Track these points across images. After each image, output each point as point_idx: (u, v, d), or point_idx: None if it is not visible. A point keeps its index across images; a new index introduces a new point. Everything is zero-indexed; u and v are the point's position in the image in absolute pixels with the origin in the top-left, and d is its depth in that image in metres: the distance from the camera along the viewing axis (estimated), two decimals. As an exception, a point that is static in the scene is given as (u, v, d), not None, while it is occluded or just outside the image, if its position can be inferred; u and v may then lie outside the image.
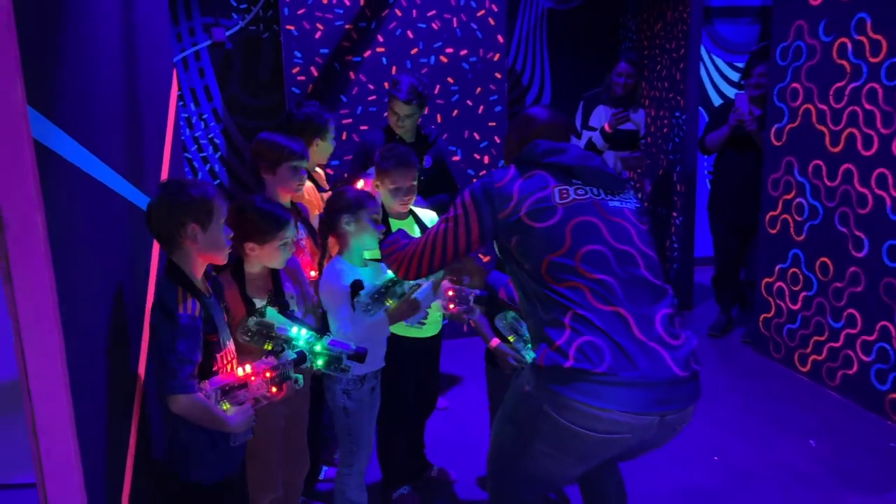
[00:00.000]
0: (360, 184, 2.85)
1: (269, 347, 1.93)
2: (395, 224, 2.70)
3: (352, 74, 4.21)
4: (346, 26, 4.15)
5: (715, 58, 5.80)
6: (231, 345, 1.94)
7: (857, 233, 3.52)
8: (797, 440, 3.32)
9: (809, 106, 3.76)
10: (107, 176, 1.84)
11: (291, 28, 4.08)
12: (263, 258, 2.07)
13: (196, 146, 4.84)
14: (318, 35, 4.13)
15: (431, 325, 2.83)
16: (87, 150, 1.68)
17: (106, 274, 1.77)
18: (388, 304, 2.23)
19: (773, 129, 4.03)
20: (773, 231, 4.10)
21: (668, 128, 5.04)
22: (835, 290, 3.69)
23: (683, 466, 3.13)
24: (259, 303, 2.03)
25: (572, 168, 1.87)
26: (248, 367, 1.87)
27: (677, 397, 1.71)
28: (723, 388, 3.90)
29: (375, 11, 4.17)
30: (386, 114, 4.20)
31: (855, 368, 3.61)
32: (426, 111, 3.51)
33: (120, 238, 1.94)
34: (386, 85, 4.24)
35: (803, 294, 3.92)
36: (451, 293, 2.43)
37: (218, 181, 4.90)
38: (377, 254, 2.37)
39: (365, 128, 4.25)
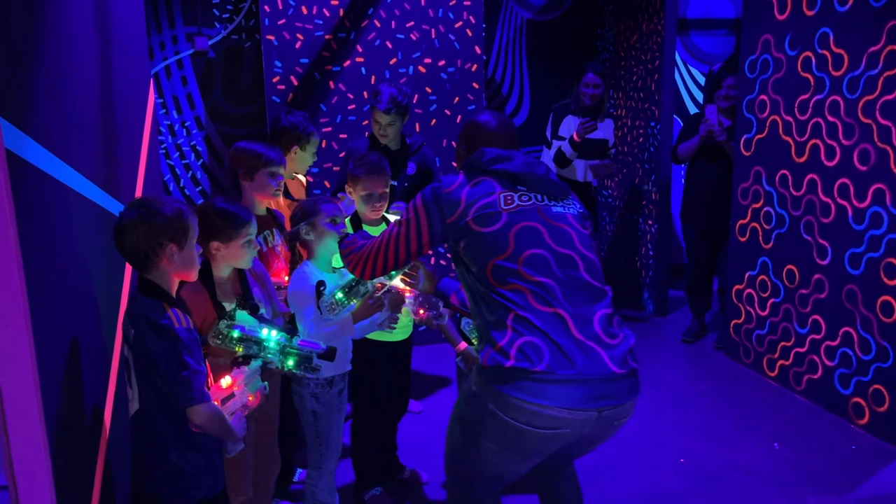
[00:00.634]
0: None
1: (241, 350, 1.99)
2: (368, 230, 2.77)
3: (331, 84, 4.28)
4: (326, 36, 4.23)
5: (691, 68, 5.91)
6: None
7: (822, 241, 3.62)
8: (762, 442, 3.40)
9: (776, 117, 3.86)
10: (80, 184, 1.90)
11: (272, 38, 4.16)
12: (229, 258, 2.12)
13: (178, 153, 4.89)
14: (298, 45, 4.20)
15: (402, 330, 2.89)
16: (60, 159, 1.74)
17: (78, 280, 1.83)
18: (351, 303, 2.29)
19: (742, 140, 4.13)
20: (743, 239, 4.20)
21: (643, 137, 5.14)
22: (801, 297, 3.79)
23: (650, 469, 3.20)
24: (229, 306, 2.09)
25: (518, 175, 1.96)
26: (229, 378, 1.93)
27: (614, 393, 1.79)
28: (693, 392, 3.99)
29: (355, 22, 4.25)
30: (366, 122, 4.29)
31: (819, 373, 3.71)
32: (406, 120, 3.59)
33: (93, 245, 2.00)
34: (366, 94, 4.32)
35: (771, 301, 4.01)
36: (420, 299, 2.51)
37: (200, 188, 4.95)
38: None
39: (344, 136, 4.33)
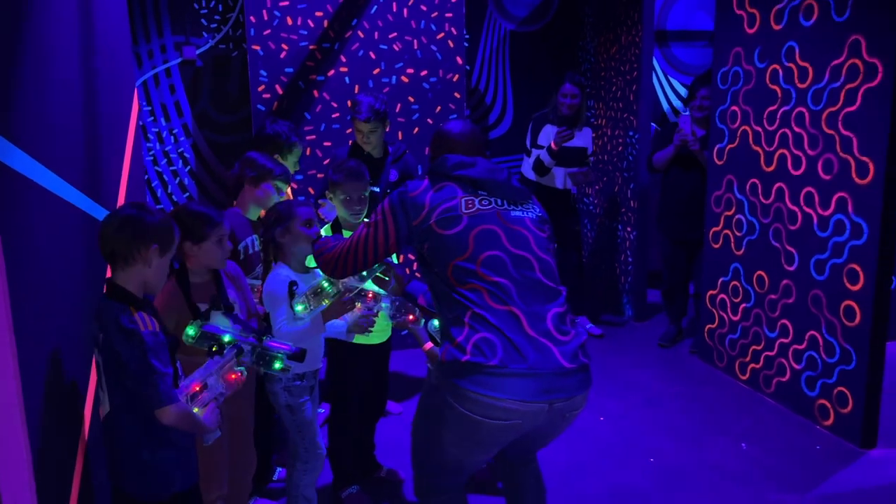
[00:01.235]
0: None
1: (214, 349, 2.08)
2: (347, 235, 2.87)
3: (315, 93, 4.39)
4: (311, 47, 4.33)
5: (671, 79, 6.04)
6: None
7: (789, 248, 3.74)
8: (730, 442, 3.51)
9: (746, 127, 3.98)
10: (64, 190, 1.99)
11: (257, 48, 4.26)
12: (203, 257, 2.21)
13: (166, 160, 4.98)
14: (283, 55, 4.30)
15: (380, 333, 2.99)
16: (43, 166, 1.83)
17: (61, 284, 1.91)
18: (323, 303, 2.39)
19: (715, 149, 4.25)
20: (716, 246, 4.31)
21: (622, 146, 5.26)
22: (770, 302, 3.90)
23: (619, 468, 3.30)
24: (204, 307, 2.18)
25: (479, 181, 2.06)
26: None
27: (564, 387, 1.89)
28: (666, 395, 4.09)
29: (339, 33, 4.36)
30: (349, 130, 4.39)
31: (788, 376, 3.82)
32: (388, 128, 3.69)
33: (76, 249, 2.08)
34: (349, 104, 4.41)
35: (743, 306, 4.12)
36: (397, 303, 2.60)
37: (187, 194, 5.04)
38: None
39: (328, 144, 4.43)
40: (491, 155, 5.71)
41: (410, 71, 4.49)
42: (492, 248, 1.97)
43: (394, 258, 2.73)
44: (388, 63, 4.45)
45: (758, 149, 3.91)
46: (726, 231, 4.21)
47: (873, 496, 3.04)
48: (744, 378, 4.16)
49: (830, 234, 3.47)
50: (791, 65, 3.64)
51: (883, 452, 3.38)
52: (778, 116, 3.75)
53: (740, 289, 4.14)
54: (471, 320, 1.90)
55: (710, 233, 4.35)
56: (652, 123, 5.38)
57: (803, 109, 3.58)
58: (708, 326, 4.45)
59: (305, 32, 4.32)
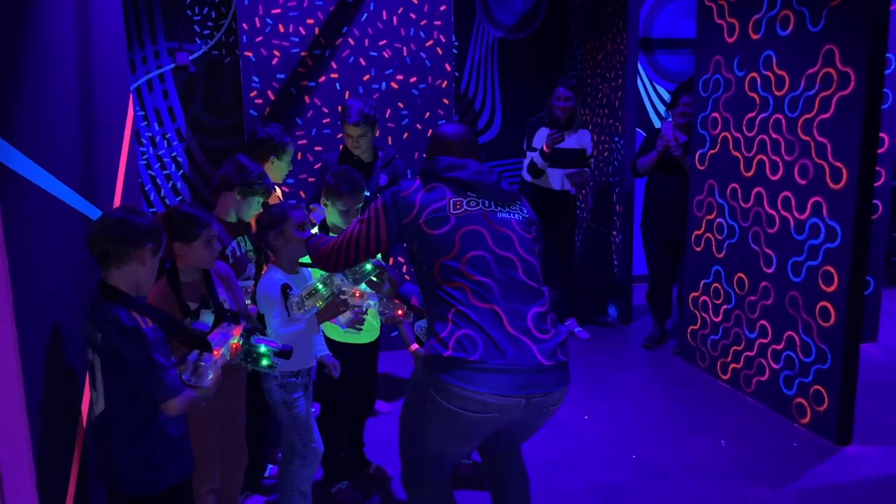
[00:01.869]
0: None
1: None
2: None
3: (307, 98, 4.47)
4: (302, 53, 4.42)
5: (657, 86, 6.15)
6: None
7: (767, 250, 3.84)
8: (710, 440, 3.60)
9: (727, 134, 4.09)
10: (61, 191, 2.07)
11: (250, 54, 4.34)
12: (192, 257, 2.27)
13: (160, 164, 5.05)
14: (275, 61, 4.39)
15: (369, 333, 3.07)
16: (43, 168, 1.91)
17: (59, 283, 1.99)
18: (317, 305, 2.47)
19: (697, 155, 4.35)
20: (698, 249, 4.42)
21: (608, 151, 5.36)
22: (749, 303, 4.01)
23: (602, 465, 3.39)
24: (194, 306, 2.25)
25: (468, 182, 2.15)
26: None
27: (541, 383, 1.98)
28: (649, 395, 4.19)
29: (330, 40, 4.45)
30: (340, 135, 4.47)
31: (767, 375, 3.92)
32: (378, 133, 3.78)
33: (73, 249, 2.16)
34: (340, 109, 4.50)
35: (724, 307, 4.23)
36: (384, 300, 2.69)
37: (180, 197, 5.11)
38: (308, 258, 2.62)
39: (319, 149, 4.51)
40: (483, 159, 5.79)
41: (400, 77, 4.58)
42: (477, 248, 2.06)
43: (379, 257, 2.79)
44: (378, 69, 4.55)
45: (737, 154, 4.02)
46: (708, 234, 4.32)
47: (848, 491, 3.14)
48: (725, 378, 4.26)
49: (806, 237, 3.58)
50: (769, 73, 3.75)
51: (857, 449, 3.48)
52: (756, 123, 3.86)
53: (721, 291, 4.24)
54: (454, 317, 1.99)
55: (693, 236, 4.45)
56: (638, 129, 5.50)
57: (780, 116, 3.69)
58: (690, 328, 4.55)
59: (297, 39, 4.40)
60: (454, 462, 2.22)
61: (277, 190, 3.65)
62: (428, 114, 4.66)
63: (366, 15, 4.47)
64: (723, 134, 4.12)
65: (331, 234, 2.97)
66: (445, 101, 4.69)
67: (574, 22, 5.76)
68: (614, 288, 5.42)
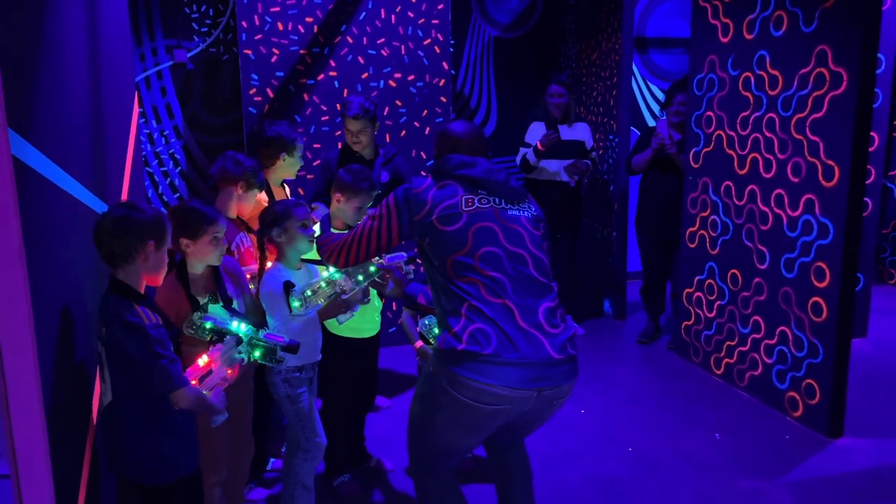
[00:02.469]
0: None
1: (212, 339, 2.19)
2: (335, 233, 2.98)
3: (305, 96, 4.50)
4: (301, 51, 4.45)
5: (651, 84, 6.22)
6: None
7: (761, 247, 3.91)
8: (704, 434, 3.67)
9: (721, 132, 4.15)
10: (72, 187, 2.10)
11: (249, 52, 4.37)
12: (198, 253, 2.30)
13: (157, 161, 5.07)
14: (274, 59, 4.42)
15: (370, 327, 3.12)
16: (57, 165, 1.94)
17: (71, 276, 2.02)
18: (319, 303, 2.51)
19: (691, 153, 4.42)
20: (692, 245, 4.48)
21: (602, 149, 5.42)
22: (743, 299, 4.08)
23: (599, 457, 3.45)
24: (202, 300, 2.29)
25: (478, 180, 2.20)
26: (205, 357, 2.13)
27: (552, 376, 2.03)
28: (645, 390, 4.25)
29: (328, 38, 4.48)
30: (338, 132, 4.51)
31: (760, 370, 3.99)
32: (377, 129, 3.81)
33: (84, 244, 2.19)
34: (338, 107, 4.54)
35: (717, 303, 4.29)
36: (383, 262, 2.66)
37: (178, 194, 5.13)
38: (312, 255, 2.66)
39: (318, 146, 4.54)
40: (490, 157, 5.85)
41: (398, 75, 4.62)
42: (489, 244, 2.10)
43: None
44: (377, 67, 4.58)
45: (731, 153, 4.08)
46: (702, 231, 4.38)
47: (839, 482, 3.21)
48: (718, 373, 4.33)
49: (799, 234, 3.65)
50: (762, 73, 3.82)
51: (849, 441, 3.55)
52: (750, 122, 3.92)
53: (715, 287, 4.31)
54: (467, 311, 2.04)
55: (687, 233, 4.52)
56: (632, 128, 5.55)
57: (774, 115, 3.75)
58: (684, 323, 4.62)
59: (296, 37, 4.43)
60: (462, 454, 2.27)
61: (286, 187, 3.67)
62: (426, 112, 4.70)
63: (364, 13, 4.50)
64: (717, 132, 4.19)
65: (332, 230, 3.02)
66: (443, 98, 4.73)
67: (569, 21, 5.82)
68: (609, 284, 5.49)
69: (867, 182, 4.53)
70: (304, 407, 2.64)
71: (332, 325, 2.94)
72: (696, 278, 4.46)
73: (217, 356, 2.09)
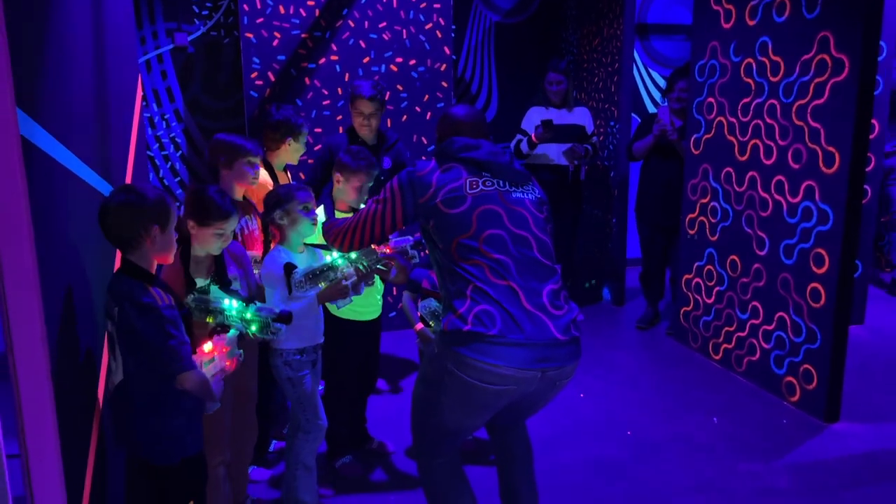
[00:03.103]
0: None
1: (211, 320, 2.21)
2: (339, 215, 2.99)
3: (307, 80, 4.50)
4: (302, 35, 4.44)
5: (651, 71, 6.22)
6: None
7: (760, 233, 3.93)
8: (702, 417, 3.70)
9: (722, 119, 4.16)
10: (78, 168, 2.11)
11: (250, 36, 4.36)
12: (199, 239, 2.29)
13: (158, 144, 5.07)
14: (275, 43, 4.41)
15: (371, 310, 3.14)
16: (63, 146, 1.95)
17: (78, 257, 2.03)
18: (320, 285, 2.52)
19: (692, 139, 4.43)
20: (692, 232, 4.50)
21: (603, 136, 5.43)
22: (741, 285, 4.10)
23: (598, 440, 3.48)
24: (202, 282, 2.30)
25: (483, 163, 2.21)
26: (210, 344, 2.15)
27: (556, 357, 2.06)
28: (644, 374, 4.28)
29: (330, 22, 4.47)
30: (340, 117, 4.51)
31: (757, 355, 4.02)
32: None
33: (90, 222, 2.20)
34: (340, 91, 4.54)
35: (716, 289, 4.32)
36: (388, 250, 2.67)
37: (178, 178, 5.13)
38: (315, 239, 2.67)
39: (319, 130, 4.55)
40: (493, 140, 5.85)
41: (399, 60, 4.62)
42: (493, 226, 2.12)
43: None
44: (378, 52, 4.58)
45: (732, 139, 4.10)
46: (702, 218, 4.40)
47: (835, 465, 3.25)
48: (717, 358, 4.36)
49: (798, 220, 3.67)
50: (764, 59, 3.82)
51: (845, 426, 3.59)
52: (751, 108, 3.93)
53: (714, 273, 4.33)
54: (472, 293, 2.06)
55: (687, 219, 4.53)
56: (633, 114, 5.55)
57: (775, 102, 3.76)
58: (683, 309, 4.65)
59: (297, 21, 4.42)
60: (466, 435, 2.30)
61: (288, 172, 3.68)
62: (427, 97, 4.70)
63: (366, -3, 4.49)
64: (718, 119, 4.20)
65: (336, 212, 3.03)
66: (444, 83, 4.73)
67: (570, 7, 5.80)
68: (609, 270, 5.51)
69: (867, 169, 4.55)
70: (307, 389, 2.66)
71: (333, 307, 2.96)
72: (696, 264, 4.48)
73: (221, 345, 2.11)
